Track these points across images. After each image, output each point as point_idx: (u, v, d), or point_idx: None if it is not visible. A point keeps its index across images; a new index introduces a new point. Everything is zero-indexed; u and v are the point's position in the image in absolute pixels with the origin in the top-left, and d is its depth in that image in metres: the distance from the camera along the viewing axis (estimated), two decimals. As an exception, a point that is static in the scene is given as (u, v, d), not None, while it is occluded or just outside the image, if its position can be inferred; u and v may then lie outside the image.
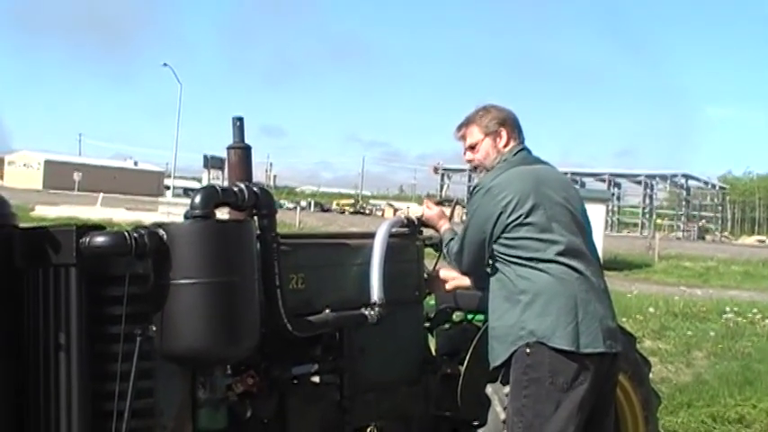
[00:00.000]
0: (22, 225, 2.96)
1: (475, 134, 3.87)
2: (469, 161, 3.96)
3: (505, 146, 3.83)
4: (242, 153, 3.55)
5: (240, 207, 3.26)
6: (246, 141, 3.58)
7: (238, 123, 3.54)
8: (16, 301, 2.83)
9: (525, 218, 3.58)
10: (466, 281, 4.11)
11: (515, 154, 3.82)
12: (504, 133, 3.83)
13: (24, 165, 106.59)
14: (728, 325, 13.20)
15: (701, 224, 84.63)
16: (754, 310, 14.67)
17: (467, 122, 3.91)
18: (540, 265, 3.57)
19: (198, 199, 3.04)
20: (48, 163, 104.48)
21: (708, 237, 79.72)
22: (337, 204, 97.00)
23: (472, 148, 3.88)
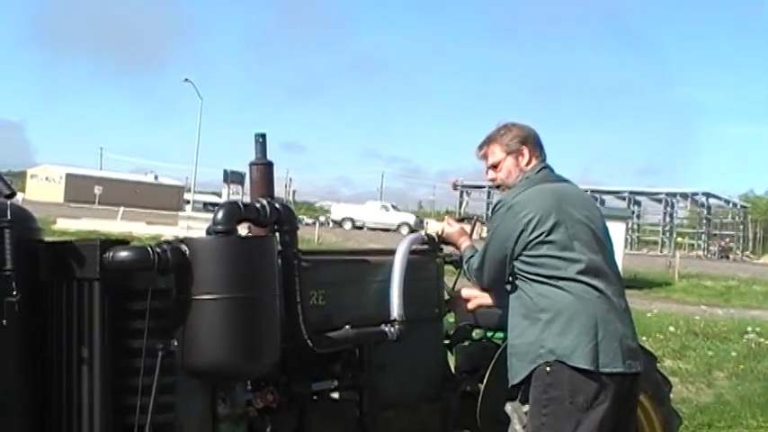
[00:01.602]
0: (47, 239, 2.99)
1: (497, 153, 3.87)
2: (492, 180, 3.96)
3: (527, 164, 3.83)
4: (264, 169, 3.58)
5: (262, 223, 3.28)
6: (268, 158, 3.61)
7: (261, 140, 3.56)
8: (41, 314, 2.85)
9: (546, 236, 3.58)
10: (488, 299, 4.11)
11: (538, 171, 3.82)
12: (525, 152, 3.83)
13: (46, 178, 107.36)
14: (750, 345, 13.07)
15: (723, 243, 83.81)
16: (777, 331, 14.53)
17: (488, 141, 3.91)
18: (561, 284, 3.56)
19: (220, 215, 3.06)
20: (69, 176, 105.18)
21: (730, 256, 79.00)
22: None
23: (494, 167, 3.88)
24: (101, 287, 2.81)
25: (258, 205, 3.25)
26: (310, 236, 38.62)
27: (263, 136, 3.57)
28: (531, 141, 3.86)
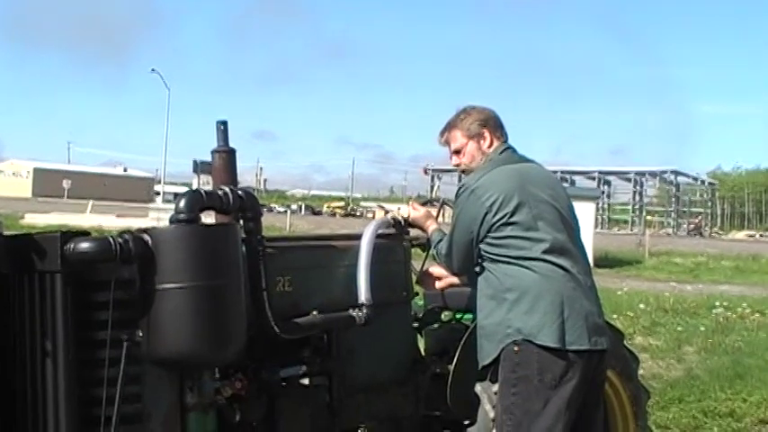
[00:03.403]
0: (6, 233, 2.95)
1: (458, 139, 3.87)
2: (456, 165, 3.96)
3: (489, 146, 3.83)
4: (226, 157, 3.55)
5: (225, 211, 3.25)
6: (236, 146, 3.58)
7: (222, 127, 3.53)
8: (2, 307, 2.82)
9: (510, 217, 3.58)
10: (457, 279, 4.12)
11: (500, 153, 3.82)
12: (487, 134, 3.83)
13: (13, 173, 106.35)
14: (719, 320, 13.27)
15: (696, 221, 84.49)
16: (744, 305, 14.78)
17: (448, 127, 3.90)
18: (527, 264, 3.57)
19: (182, 203, 3.03)
20: (37, 171, 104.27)
21: (702, 233, 79.70)
22: (328, 207, 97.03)
23: (457, 152, 3.88)
24: (63, 279, 2.77)
25: (221, 193, 3.22)
26: (282, 224, 38.57)
27: (225, 123, 3.54)
28: (492, 123, 3.86)
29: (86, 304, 2.84)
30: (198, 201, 3.10)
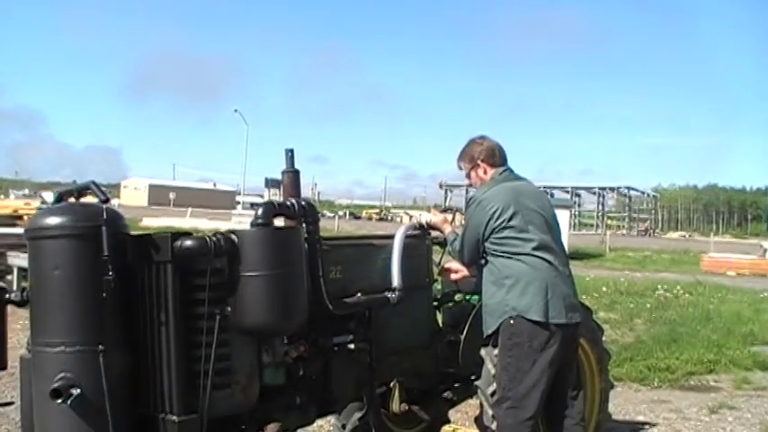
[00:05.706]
0: (132, 233, 2.96)
1: (463, 167, 3.88)
2: (468, 185, 3.99)
3: (485, 173, 3.80)
4: (293, 176, 3.52)
5: (292, 217, 3.24)
6: (296, 167, 3.55)
7: (290, 154, 3.51)
8: (130, 288, 2.82)
9: (508, 222, 3.56)
10: (468, 272, 4.08)
11: (501, 173, 3.79)
12: (481, 164, 3.81)
13: (134, 188, 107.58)
14: (660, 299, 13.23)
15: (645, 226, 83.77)
16: (678, 288, 14.70)
17: (458, 158, 3.91)
18: (520, 258, 3.55)
19: (260, 211, 3.03)
20: (151, 186, 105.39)
21: (650, 234, 78.77)
22: (366, 213, 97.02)
23: (467, 175, 3.88)
24: (173, 268, 2.77)
25: (289, 203, 3.22)
26: (331, 226, 38.67)
27: (292, 151, 3.52)
28: (486, 155, 3.80)
29: (189, 286, 2.83)
30: (271, 209, 3.09)
